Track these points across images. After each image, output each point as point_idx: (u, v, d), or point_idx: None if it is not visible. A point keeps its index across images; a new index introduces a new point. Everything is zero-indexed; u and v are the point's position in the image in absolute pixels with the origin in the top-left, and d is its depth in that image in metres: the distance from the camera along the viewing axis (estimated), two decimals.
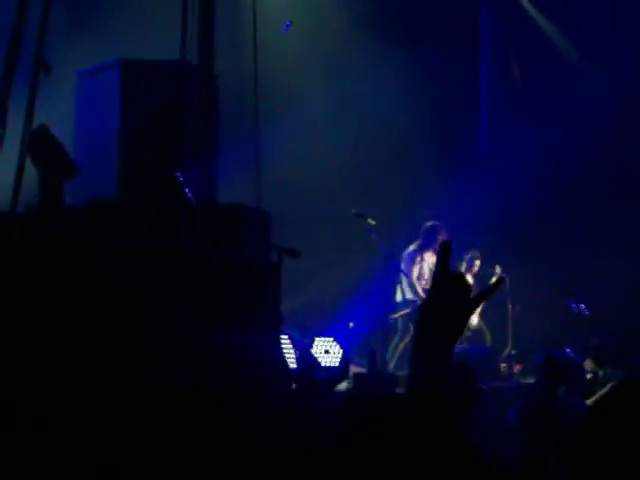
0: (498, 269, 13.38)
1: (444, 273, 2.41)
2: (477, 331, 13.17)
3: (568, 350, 12.40)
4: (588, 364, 11.27)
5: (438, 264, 2.45)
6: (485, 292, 2.48)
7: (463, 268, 12.98)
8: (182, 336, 6.55)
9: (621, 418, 2.01)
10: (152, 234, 7.16)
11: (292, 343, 8.86)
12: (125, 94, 8.38)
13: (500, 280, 2.51)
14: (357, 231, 11.60)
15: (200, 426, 6.35)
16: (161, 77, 8.45)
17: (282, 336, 8.50)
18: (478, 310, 13.28)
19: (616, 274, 14.32)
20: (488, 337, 13.26)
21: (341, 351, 8.70)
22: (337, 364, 8.62)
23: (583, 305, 14.71)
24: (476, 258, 13.17)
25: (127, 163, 8.28)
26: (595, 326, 14.18)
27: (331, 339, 8.69)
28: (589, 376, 10.95)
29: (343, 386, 9.75)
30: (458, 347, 12.29)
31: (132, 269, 6.24)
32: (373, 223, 11.18)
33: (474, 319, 13.21)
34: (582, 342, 13.24)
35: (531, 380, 12.03)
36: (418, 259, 12.52)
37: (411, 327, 12.39)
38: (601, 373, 11.09)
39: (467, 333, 12.90)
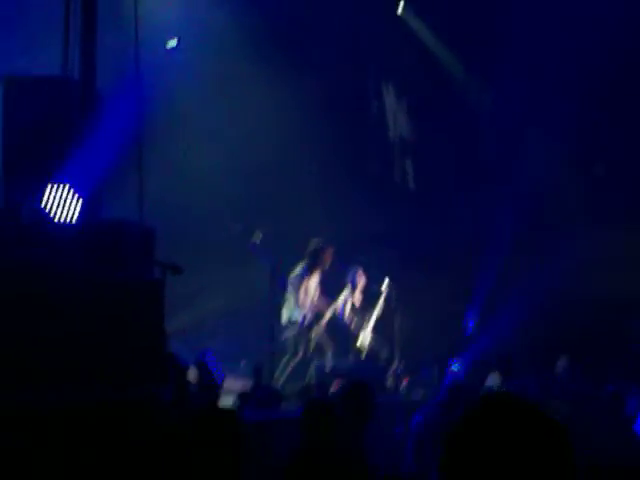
0: (385, 284, 13.45)
1: None
2: (372, 347, 13.21)
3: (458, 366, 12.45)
4: (495, 377, 11.33)
5: None
6: None
7: (349, 288, 13.07)
8: (63, 353, 6.50)
9: (483, 433, 2.02)
10: (33, 249, 7.10)
11: (177, 361, 8.78)
12: (7, 110, 8.27)
13: None
14: (243, 248, 11.60)
15: (83, 443, 6.31)
16: (43, 94, 8.37)
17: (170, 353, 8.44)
18: (371, 326, 13.34)
19: (507, 289, 14.64)
20: (383, 352, 13.32)
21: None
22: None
23: (472, 322, 14.97)
24: (359, 273, 13.20)
25: (8, 178, 8.17)
26: (479, 341, 14.43)
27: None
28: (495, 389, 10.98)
29: (229, 402, 9.74)
30: (347, 363, 12.42)
31: (7, 284, 6.19)
32: (259, 241, 11.21)
33: (367, 337, 13.25)
34: (468, 356, 13.42)
35: (417, 395, 12.15)
36: (305, 280, 12.62)
37: (300, 346, 12.51)
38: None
39: (362, 349, 12.99)
